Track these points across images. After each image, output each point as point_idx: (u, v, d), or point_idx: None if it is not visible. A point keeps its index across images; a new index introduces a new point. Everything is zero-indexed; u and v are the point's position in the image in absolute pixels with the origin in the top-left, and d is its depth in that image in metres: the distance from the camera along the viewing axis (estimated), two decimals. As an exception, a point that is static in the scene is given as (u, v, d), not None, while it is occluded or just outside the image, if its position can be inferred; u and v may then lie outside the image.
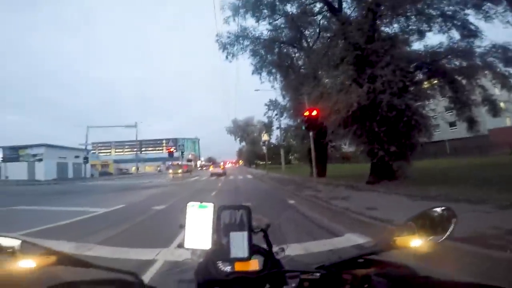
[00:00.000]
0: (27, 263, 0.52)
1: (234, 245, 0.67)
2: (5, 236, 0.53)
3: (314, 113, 8.82)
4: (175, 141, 67.68)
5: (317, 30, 13.09)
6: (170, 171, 40.21)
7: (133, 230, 5.19)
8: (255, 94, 24.59)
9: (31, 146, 34.34)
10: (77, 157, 36.26)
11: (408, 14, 9.40)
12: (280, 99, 21.44)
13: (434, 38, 9.57)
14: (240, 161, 78.87)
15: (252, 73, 15.85)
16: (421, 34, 9.57)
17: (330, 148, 16.50)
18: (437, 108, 10.53)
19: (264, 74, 15.88)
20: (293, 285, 0.70)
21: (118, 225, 5.53)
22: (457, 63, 9.02)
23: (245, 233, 0.68)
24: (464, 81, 9.00)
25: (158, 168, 62.60)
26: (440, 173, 11.00)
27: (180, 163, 40.27)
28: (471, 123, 9.36)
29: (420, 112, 8.63)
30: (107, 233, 4.79)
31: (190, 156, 65.01)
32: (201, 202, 0.71)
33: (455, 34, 9.02)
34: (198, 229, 0.69)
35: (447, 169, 12.42)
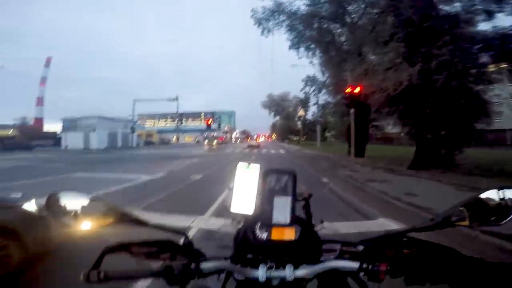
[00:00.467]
0: (86, 224, 0.57)
1: (276, 210, 0.65)
2: (68, 196, 0.58)
3: (357, 90, 8.40)
4: (212, 114, 69.85)
5: (362, 6, 12.11)
6: (206, 142, 42.27)
7: (171, 198, 5.63)
8: (291, 70, 23.83)
9: (86, 118, 38.38)
10: (125, 127, 39.83)
11: None
12: (318, 75, 20.55)
13: (507, 19, 8.06)
14: (273, 135, 79.13)
15: (289, 48, 15.51)
16: (490, 15, 8.17)
17: (371, 128, 15.68)
18: (503, 93, 9.23)
19: (301, 49, 15.43)
20: (332, 257, 0.68)
21: (159, 192, 6.04)
22: None
23: (289, 199, 0.65)
24: None
25: (196, 139, 65.80)
26: (496, 164, 9.69)
27: (215, 134, 42.04)
28: None
29: (482, 96, 7.70)
30: (148, 200, 5.28)
31: (226, 128, 67.02)
32: (249, 164, 0.68)
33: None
34: (244, 192, 0.67)
35: (505, 161, 10.86)
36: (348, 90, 8.74)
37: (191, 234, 3.41)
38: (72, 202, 0.57)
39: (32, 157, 18.95)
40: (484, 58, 8.28)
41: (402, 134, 16.13)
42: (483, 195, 0.56)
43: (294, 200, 0.66)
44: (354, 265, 0.60)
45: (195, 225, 3.72)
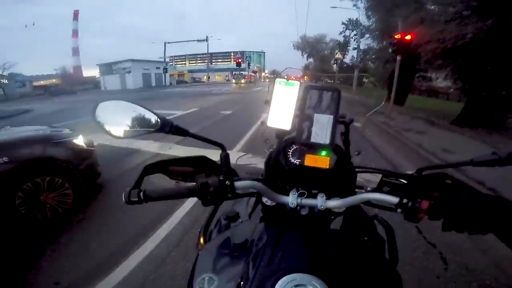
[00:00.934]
0: (131, 132, 0.57)
1: (316, 128, 0.61)
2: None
3: (408, 37, 7.42)
4: (242, 53, 67.29)
5: None
6: (233, 81, 41.28)
7: (203, 132, 5.85)
8: (328, 13, 21.07)
9: (120, 62, 39.75)
10: (158, 68, 40.87)
11: None
12: (362, 19, 18.13)
13: None
14: (305, 77, 75.36)
15: None
16: None
17: (417, 78, 14.20)
18: None
19: None
20: (368, 188, 0.65)
21: (192, 126, 6.36)
22: None
23: (331, 117, 0.60)
24: None
25: (227, 78, 65.39)
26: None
27: (242, 73, 40.86)
28: None
29: None
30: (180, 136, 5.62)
31: (255, 68, 65.09)
32: (287, 79, 0.64)
33: None
34: (282, 108, 0.64)
35: None
36: (397, 36, 7.71)
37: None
38: (118, 111, 0.57)
39: (76, 99, 20.43)
40: None
41: (452, 89, 14.37)
42: None
43: (336, 119, 0.61)
44: (393, 199, 0.54)
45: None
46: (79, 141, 2.73)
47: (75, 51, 58.10)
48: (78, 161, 2.60)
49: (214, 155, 0.63)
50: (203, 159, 0.68)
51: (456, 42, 6.68)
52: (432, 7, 8.78)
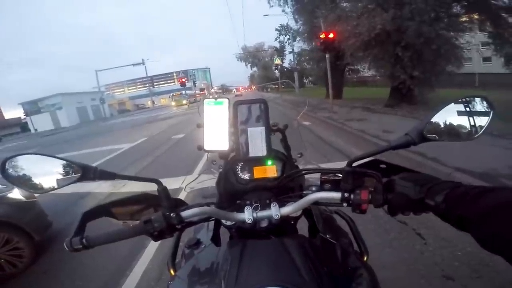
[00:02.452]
0: (51, 184, 0.53)
1: (252, 143, 0.63)
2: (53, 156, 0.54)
3: (331, 35, 8.33)
4: (185, 72, 66.17)
5: None
6: (173, 103, 36.84)
7: (158, 162, 5.62)
8: (264, 20, 22.31)
9: (48, 97, 35.29)
10: (93, 99, 37.44)
11: None
12: (292, 23, 19.70)
13: None
14: (253, 86, 77.63)
15: None
16: None
17: (347, 71, 15.78)
18: (473, 41, 9.41)
19: None
20: (313, 188, 0.65)
21: (144, 158, 5.99)
22: (506, 0, 7.73)
23: (263, 129, 0.63)
24: (510, 19, 7.85)
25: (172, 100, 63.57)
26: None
27: (183, 93, 38.64)
28: (509, 59, 8.74)
29: (452, 42, 7.97)
30: (135, 168, 5.24)
31: (202, 85, 64.38)
32: (216, 99, 0.64)
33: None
34: (216, 129, 0.64)
35: None
36: (322, 35, 8.54)
37: (184, 194, 3.50)
38: (31, 165, 0.53)
39: (3, 148, 17.61)
40: (457, 8, 8.34)
41: (377, 77, 16.31)
42: (449, 108, 0.51)
43: (268, 129, 0.64)
44: (336, 195, 0.55)
45: (184, 185, 3.80)
46: (15, 194, 2.57)
47: None
48: (20, 214, 2.48)
49: (174, 183, 0.61)
50: (144, 195, 0.65)
51: (369, 35, 7.79)
52: (344, 4, 10.07)
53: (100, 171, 0.53)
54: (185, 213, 0.56)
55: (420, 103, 8.70)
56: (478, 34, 9.52)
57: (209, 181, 0.96)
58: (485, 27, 8.56)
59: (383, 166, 0.60)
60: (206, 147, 0.65)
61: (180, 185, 3.80)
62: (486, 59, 20.52)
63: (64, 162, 0.53)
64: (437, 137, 0.50)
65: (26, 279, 2.31)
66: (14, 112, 47.50)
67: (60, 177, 0.52)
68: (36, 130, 33.03)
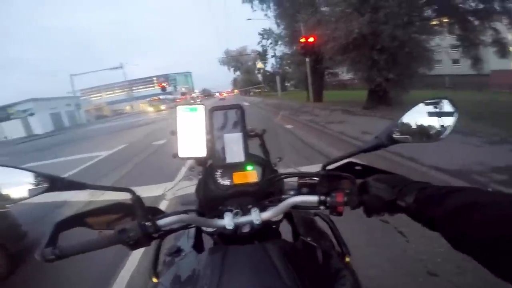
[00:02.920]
0: (17, 196, 0.51)
1: (229, 149, 0.62)
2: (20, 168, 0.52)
3: (311, 39, 8.53)
4: (166, 76, 65.04)
5: None
6: (151, 108, 35.00)
7: (138, 169, 5.44)
8: (246, 24, 22.39)
9: (18, 103, 33.02)
10: (68, 105, 35.59)
11: None
12: (274, 27, 20.01)
13: None
14: (235, 90, 77.71)
15: (243, 1, 15.18)
16: None
17: (327, 75, 16.21)
18: (442, 43, 10.14)
19: (256, 2, 15.30)
20: (292, 192, 0.66)
21: (123, 165, 5.78)
22: (473, 4, 8.33)
23: (240, 135, 0.63)
24: (476, 22, 8.51)
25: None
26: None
27: (161, 97, 37.32)
28: (476, 61, 9.17)
29: (424, 45, 8.48)
30: (115, 176, 5.04)
31: (183, 89, 63.36)
32: (190, 105, 0.63)
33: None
34: (191, 135, 0.63)
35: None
36: (302, 40, 8.74)
37: (166, 202, 3.42)
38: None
39: None
40: (428, 12, 8.86)
41: (355, 80, 16.97)
42: (418, 109, 0.53)
43: (245, 135, 0.64)
44: (313, 198, 0.56)
45: (167, 191, 3.71)
46: None
47: None
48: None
49: (156, 190, 0.59)
50: (119, 204, 0.63)
51: (347, 38, 8.08)
52: (324, 8, 10.30)
53: (68, 181, 0.52)
54: (161, 222, 0.55)
55: (395, 104, 9.12)
56: (447, 37, 10.12)
57: (191, 188, 0.95)
58: (454, 30, 9.12)
59: (358, 168, 0.61)
60: (181, 154, 0.64)
61: (161, 192, 3.71)
62: (455, 61, 21.81)
63: (31, 173, 0.51)
64: (406, 139, 0.52)
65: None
66: None
67: (27, 188, 0.51)
68: (5, 137, 30.80)
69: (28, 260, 2.52)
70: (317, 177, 0.59)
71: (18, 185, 0.50)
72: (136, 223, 0.53)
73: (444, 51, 10.73)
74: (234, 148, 0.62)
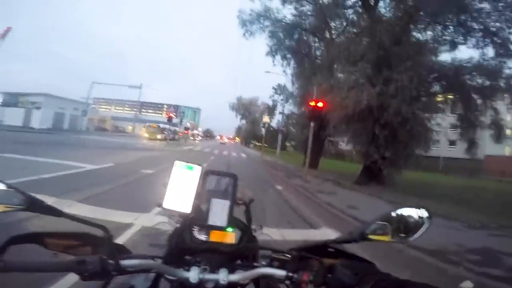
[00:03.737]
0: None
1: (213, 212, 0.65)
2: None
3: (320, 104, 8.78)
4: (176, 107, 67.27)
5: (344, 24, 12.82)
6: (146, 134, 32.70)
7: (116, 192, 5.25)
8: (263, 76, 24.18)
9: (31, 94, 33.86)
10: (76, 109, 36.03)
11: (447, 23, 9.09)
12: (289, 85, 21.32)
13: (464, 51, 9.31)
14: (237, 138, 79.35)
15: (266, 54, 15.91)
16: (454, 46, 9.27)
17: (327, 142, 16.56)
18: (443, 123, 10.49)
19: (278, 57, 15.94)
20: (263, 263, 0.70)
21: (103, 184, 5.57)
22: (479, 81, 8.79)
23: (227, 202, 0.66)
24: (479, 101, 8.89)
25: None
26: (427, 186, 11.21)
27: (161, 126, 35.59)
28: (471, 145, 9.35)
29: (425, 124, 8.67)
30: (90, 191, 4.82)
31: (188, 124, 64.78)
32: (187, 163, 0.67)
33: (489, 51, 8.67)
34: (181, 191, 0.65)
35: (434, 184, 12.69)
36: (312, 103, 9.05)
37: (132, 231, 3.22)
38: None
39: None
40: (436, 87, 9.39)
41: (354, 152, 17.49)
42: (400, 211, 0.60)
43: (233, 204, 0.67)
44: (281, 273, 0.60)
45: (138, 222, 3.53)
46: None
47: None
48: None
49: (127, 217, 0.58)
50: (86, 235, 0.64)
51: (355, 109, 8.23)
52: (339, 75, 10.75)
53: (47, 206, 0.53)
54: (125, 262, 0.55)
55: (387, 184, 9.06)
56: (448, 116, 10.44)
57: (159, 226, 0.94)
58: (457, 108, 9.36)
59: (331, 250, 0.67)
60: (165, 205, 0.66)
61: (132, 220, 3.53)
62: (452, 143, 22.37)
63: (10, 188, 0.53)
64: (377, 238, 0.59)
65: None
66: None
67: (2, 202, 0.52)
68: (1, 121, 30.42)
69: None
70: (289, 255, 0.65)
71: None
72: (97, 258, 0.52)
73: (443, 132, 10.88)
74: (218, 213, 0.65)
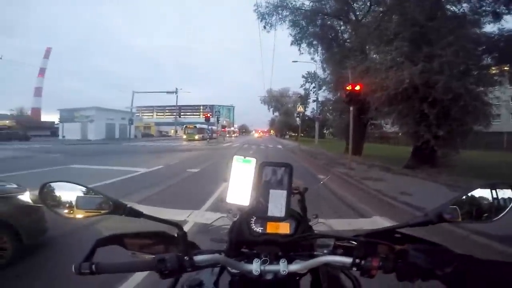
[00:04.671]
0: (80, 214, 0.57)
1: (272, 203, 0.65)
2: (66, 182, 0.58)
3: (358, 87, 8.31)
4: (212, 107, 69.60)
5: (368, 4, 12.29)
6: (184, 136, 34.19)
7: (168, 191, 5.64)
8: (292, 66, 23.64)
9: (84, 109, 37.76)
10: (123, 119, 39.20)
11: None
12: (319, 71, 20.54)
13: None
14: (272, 131, 79.35)
15: (291, 44, 15.64)
16: (497, 17, 8.29)
17: (369, 126, 15.71)
18: (503, 96, 9.41)
19: (303, 45, 15.63)
20: (325, 251, 0.69)
21: (156, 185, 6.05)
22: None
23: (285, 192, 0.66)
24: None
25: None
26: (491, 167, 9.80)
27: (198, 126, 36.80)
28: None
29: (482, 98, 7.71)
30: (145, 193, 5.29)
31: (224, 122, 66.59)
32: (244, 157, 0.69)
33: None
34: (240, 184, 0.68)
35: (500, 163, 10.88)
36: (348, 87, 8.61)
37: (186, 228, 3.44)
38: (66, 192, 0.57)
39: (28, 147, 18.83)
40: (487, 60, 8.38)
41: (400, 134, 16.23)
42: (474, 192, 0.56)
43: (290, 193, 0.66)
44: (347, 260, 0.60)
45: (191, 219, 3.75)
46: (25, 197, 2.65)
47: (38, 92, 54.46)
48: (20, 217, 2.54)
49: (180, 215, 0.63)
50: (160, 233, 0.69)
51: (396, 89, 7.67)
52: (375, 55, 10.16)
53: (129, 208, 0.57)
54: (198, 258, 0.59)
55: (442, 166, 8.26)
56: (508, 88, 9.39)
57: (216, 222, 0.99)
58: None
59: (397, 235, 0.64)
60: (228, 200, 0.68)
61: (185, 217, 3.77)
62: None
63: (97, 194, 0.58)
64: (456, 219, 0.55)
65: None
66: (50, 116, 51.45)
67: (92, 207, 0.57)
68: (63, 137, 34.74)
69: (35, 255, 2.63)
70: (355, 242, 0.62)
71: (83, 203, 0.57)
72: (174, 256, 0.56)
73: (504, 105, 9.98)
74: (277, 203, 0.65)
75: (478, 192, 0.56)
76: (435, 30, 7.67)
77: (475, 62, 7.77)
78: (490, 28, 8.52)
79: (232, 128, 79.07)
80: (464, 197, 0.56)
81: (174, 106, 46.15)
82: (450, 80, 7.03)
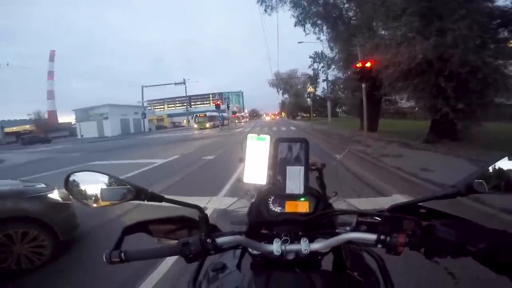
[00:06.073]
0: (106, 201, 0.58)
1: (289, 180, 0.64)
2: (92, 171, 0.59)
3: (368, 64, 8.08)
4: (221, 95, 69.49)
5: None
6: (195, 125, 33.81)
7: (186, 180, 5.78)
8: (298, 47, 22.88)
9: (98, 107, 39.12)
10: (136, 113, 40.23)
11: None
12: (327, 51, 19.83)
13: None
14: (283, 113, 78.59)
15: (295, 25, 15.26)
16: None
17: (384, 102, 15.21)
18: None
19: (308, 26, 15.24)
20: (347, 228, 0.66)
21: (174, 175, 6.20)
22: None
23: (302, 168, 0.64)
24: None
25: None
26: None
27: (208, 114, 36.47)
28: None
29: (501, 70, 7.30)
30: (165, 183, 5.45)
31: (235, 108, 66.46)
32: (258, 134, 0.68)
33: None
34: (256, 163, 0.66)
35: None
36: (358, 65, 8.35)
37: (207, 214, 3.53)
38: (90, 181, 0.58)
39: (51, 149, 19.73)
40: (504, 34, 7.82)
41: (416, 108, 15.56)
42: (501, 163, 0.50)
43: (307, 169, 0.64)
44: (372, 236, 0.57)
45: (210, 205, 3.83)
46: (54, 195, 2.78)
47: (50, 95, 56.21)
48: (53, 214, 2.66)
49: (199, 202, 0.62)
50: (183, 218, 0.69)
51: (409, 64, 7.42)
52: (383, 32, 9.76)
53: (151, 193, 0.58)
54: (220, 240, 0.59)
55: (464, 140, 7.94)
56: None
57: (234, 205, 0.98)
58: None
59: (422, 210, 0.60)
60: (245, 180, 0.67)
61: (204, 204, 3.86)
62: None
63: (120, 181, 0.58)
64: (485, 189, 0.50)
65: (39, 276, 2.39)
66: (66, 117, 53.71)
67: (115, 195, 0.57)
68: (82, 136, 35.84)
69: (72, 250, 2.76)
70: (379, 217, 0.59)
71: (107, 191, 0.57)
72: (197, 239, 0.57)
73: None
74: (294, 180, 0.64)
75: (505, 161, 0.50)
76: (444, 4, 7.23)
77: (492, 35, 7.41)
78: (503, 1, 7.83)
79: (242, 114, 78.99)
80: (490, 168, 0.50)
81: (183, 96, 46.46)
82: (466, 53, 6.73)
